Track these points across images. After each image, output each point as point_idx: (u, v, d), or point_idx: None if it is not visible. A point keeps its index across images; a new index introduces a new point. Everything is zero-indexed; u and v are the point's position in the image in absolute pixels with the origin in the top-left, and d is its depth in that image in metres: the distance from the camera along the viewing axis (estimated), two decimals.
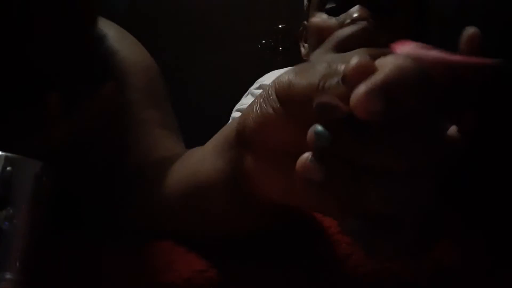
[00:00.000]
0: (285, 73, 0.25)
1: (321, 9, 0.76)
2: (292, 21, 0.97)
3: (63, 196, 0.42)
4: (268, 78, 0.86)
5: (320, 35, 0.75)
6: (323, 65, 0.22)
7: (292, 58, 0.93)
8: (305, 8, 0.85)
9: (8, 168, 0.23)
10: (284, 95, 0.24)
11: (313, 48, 0.80)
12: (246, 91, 0.87)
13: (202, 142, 0.54)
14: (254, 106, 0.26)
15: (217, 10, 2.01)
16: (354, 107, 0.19)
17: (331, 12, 0.74)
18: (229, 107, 0.88)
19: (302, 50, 0.88)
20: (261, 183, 0.27)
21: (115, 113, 0.49)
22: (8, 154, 0.24)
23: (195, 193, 0.33)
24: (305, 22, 0.86)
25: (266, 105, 0.25)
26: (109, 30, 0.54)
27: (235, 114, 0.82)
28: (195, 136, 0.58)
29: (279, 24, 2.01)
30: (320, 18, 0.76)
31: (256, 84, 0.86)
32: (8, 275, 0.23)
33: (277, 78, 0.25)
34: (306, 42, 0.87)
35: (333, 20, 0.73)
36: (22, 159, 0.24)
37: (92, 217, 0.46)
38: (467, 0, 1.64)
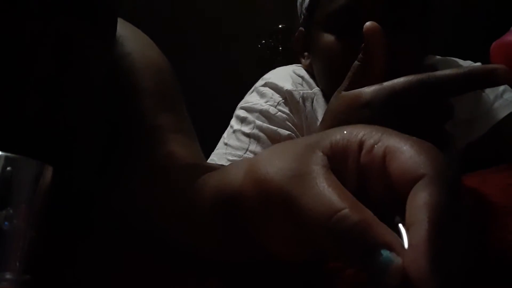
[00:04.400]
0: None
1: (326, 29, 0.74)
2: (292, 21, 0.97)
3: (70, 202, 0.42)
4: (273, 75, 0.85)
5: (332, 60, 0.74)
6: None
7: (292, 58, 0.92)
8: (301, 16, 0.82)
9: (8, 168, 0.23)
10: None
11: (322, 70, 0.78)
12: (245, 91, 0.87)
13: (202, 140, 0.54)
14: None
15: (217, 10, 2.02)
16: None
17: (339, 32, 0.72)
18: (228, 107, 0.88)
19: (303, 60, 0.85)
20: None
21: (127, 121, 0.48)
22: (8, 154, 0.24)
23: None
24: (302, 29, 0.83)
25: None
26: (124, 30, 0.53)
27: (239, 111, 0.81)
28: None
29: (279, 24, 2.01)
30: (329, 41, 0.73)
31: (261, 81, 0.84)
32: (8, 275, 0.23)
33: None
34: (306, 51, 0.84)
35: (343, 44, 0.71)
36: (22, 159, 0.24)
37: (99, 222, 0.46)
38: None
